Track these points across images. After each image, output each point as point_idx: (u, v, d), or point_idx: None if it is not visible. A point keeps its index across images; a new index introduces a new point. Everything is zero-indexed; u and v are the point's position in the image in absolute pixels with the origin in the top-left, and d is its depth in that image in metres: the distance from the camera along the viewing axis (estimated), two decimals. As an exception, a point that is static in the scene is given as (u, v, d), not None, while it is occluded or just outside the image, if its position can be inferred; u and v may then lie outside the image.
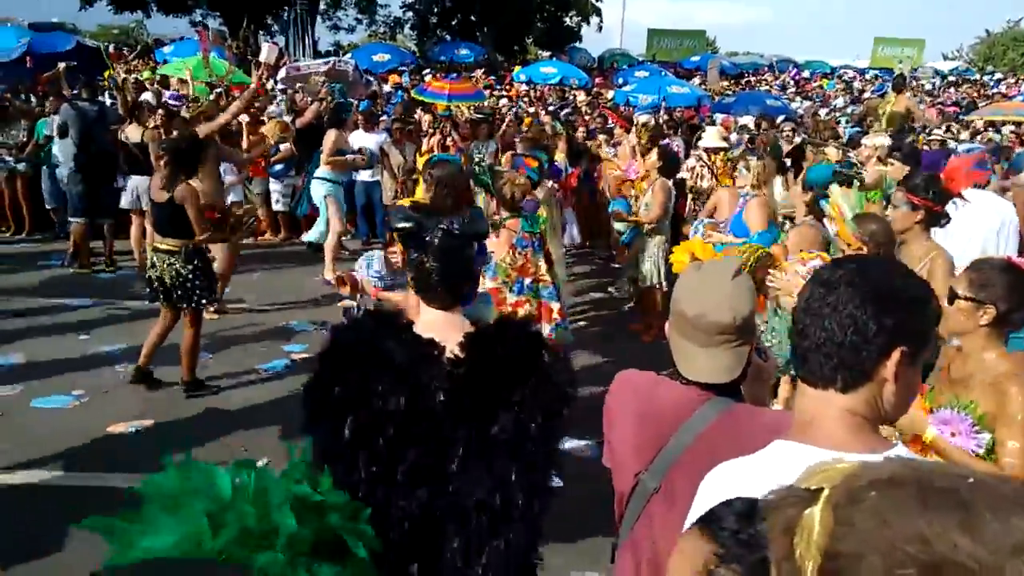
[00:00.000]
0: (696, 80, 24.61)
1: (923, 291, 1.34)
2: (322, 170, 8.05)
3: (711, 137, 8.67)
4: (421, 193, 4.17)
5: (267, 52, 8.35)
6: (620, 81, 22.82)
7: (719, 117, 14.73)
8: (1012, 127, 14.69)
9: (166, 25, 30.14)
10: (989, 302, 2.31)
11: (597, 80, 23.45)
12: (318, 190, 8.05)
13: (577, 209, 9.59)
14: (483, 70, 23.47)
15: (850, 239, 3.33)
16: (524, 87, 19.54)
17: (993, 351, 2.35)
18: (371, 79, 15.40)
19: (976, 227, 4.81)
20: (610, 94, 19.39)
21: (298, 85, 13.63)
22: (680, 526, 1.50)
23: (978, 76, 31.25)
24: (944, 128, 13.36)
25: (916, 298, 1.33)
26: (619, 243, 7.77)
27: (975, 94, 24.43)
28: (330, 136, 8.09)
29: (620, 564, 1.88)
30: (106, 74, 11.89)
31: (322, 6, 30.11)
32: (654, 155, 7.01)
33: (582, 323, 7.18)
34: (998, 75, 31.70)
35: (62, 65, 9.61)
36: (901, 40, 33.27)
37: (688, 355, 1.79)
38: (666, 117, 12.87)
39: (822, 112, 18.39)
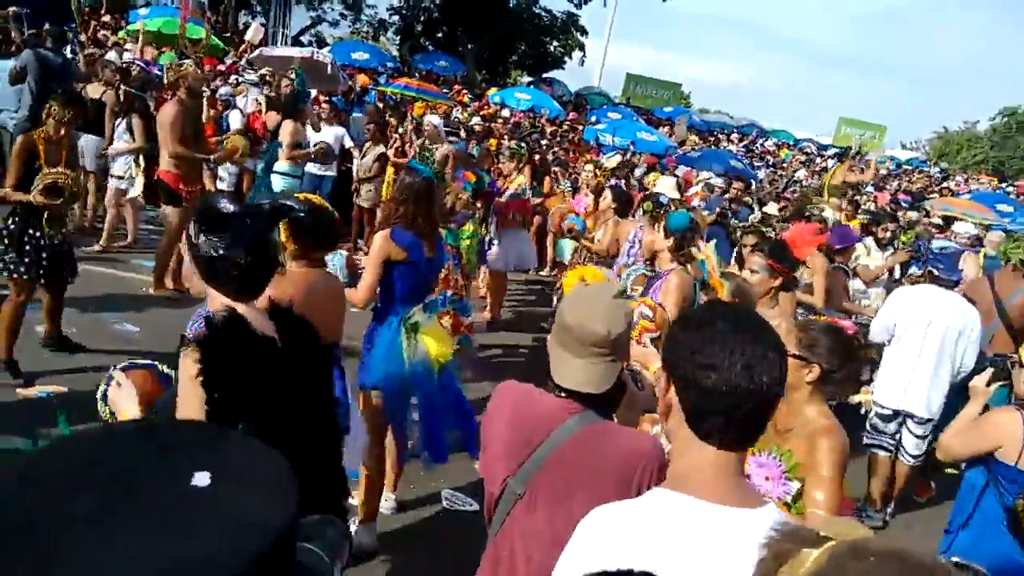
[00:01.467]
0: (666, 130, 25.15)
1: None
2: (281, 164, 7.80)
3: (667, 187, 8.75)
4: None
5: (253, 31, 8.14)
6: (593, 119, 23.14)
7: (682, 169, 15.03)
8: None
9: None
10: (815, 361, 2.47)
11: (571, 115, 23.73)
12: (278, 184, 7.77)
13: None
14: (460, 85, 23.53)
15: (720, 287, 3.48)
16: (505, 112, 19.60)
17: (814, 406, 2.49)
18: (346, 76, 15.21)
19: (936, 327, 4.83)
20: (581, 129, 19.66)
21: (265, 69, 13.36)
22: (539, 533, 1.79)
23: (929, 168, 32.63)
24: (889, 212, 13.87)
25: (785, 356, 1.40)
26: (556, 258, 7.88)
27: (924, 185, 25.46)
28: (287, 127, 7.82)
29: (482, 566, 1.96)
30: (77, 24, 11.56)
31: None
32: (608, 196, 7.12)
33: (514, 344, 7.18)
34: (943, 170, 33.20)
35: (12, 9, 9.22)
36: (865, 123, 34.60)
37: (563, 363, 1.88)
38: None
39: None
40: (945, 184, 27.54)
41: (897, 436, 5.06)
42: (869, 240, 7.88)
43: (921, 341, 4.86)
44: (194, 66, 8.40)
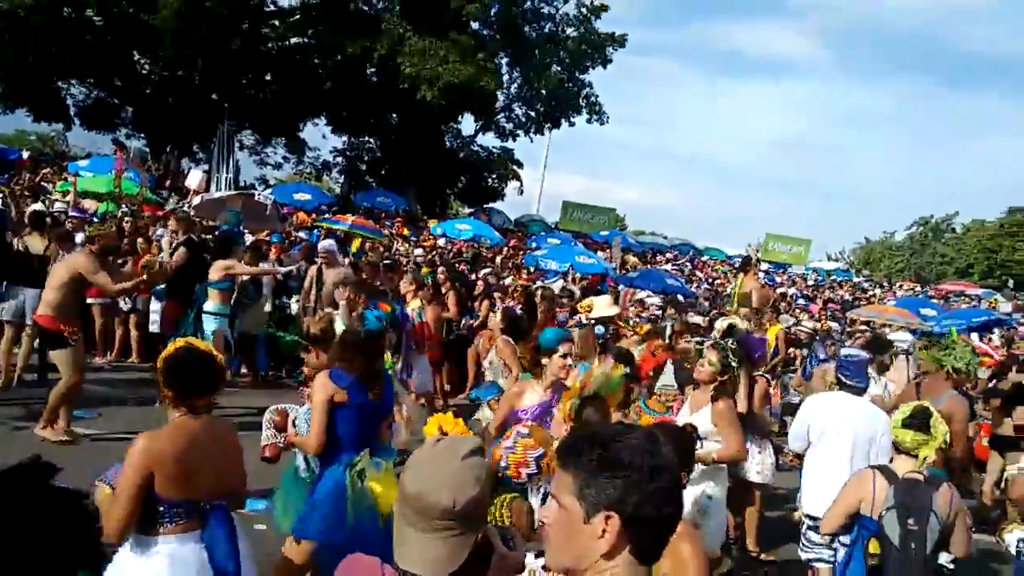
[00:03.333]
0: (603, 253, 26.06)
1: None
2: (212, 303, 7.74)
3: (603, 305, 8.96)
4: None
5: (192, 178, 8.28)
6: (533, 245, 23.88)
7: (621, 289, 15.53)
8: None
9: (87, 139, 29.95)
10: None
11: (512, 242, 24.47)
12: (209, 325, 7.68)
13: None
14: (401, 220, 24.19)
15: (565, 413, 3.41)
16: (441, 240, 20.13)
17: None
18: (286, 215, 15.52)
19: (845, 434, 4.77)
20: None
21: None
22: None
23: (854, 277, 34.21)
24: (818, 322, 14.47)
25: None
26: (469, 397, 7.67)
27: (850, 295, 26.61)
28: (217, 267, 7.80)
29: None
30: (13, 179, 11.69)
31: (250, 140, 30.76)
32: (497, 316, 7.23)
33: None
34: (867, 279, 34.87)
35: None
36: (790, 238, 36.35)
37: (404, 540, 1.63)
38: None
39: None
40: (872, 292, 28.82)
41: (834, 546, 4.98)
42: None
43: (833, 448, 4.82)
44: (115, 228, 8.46)
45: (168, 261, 8.06)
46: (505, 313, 7.25)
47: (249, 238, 11.12)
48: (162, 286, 8.73)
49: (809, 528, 4.84)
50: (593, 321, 8.37)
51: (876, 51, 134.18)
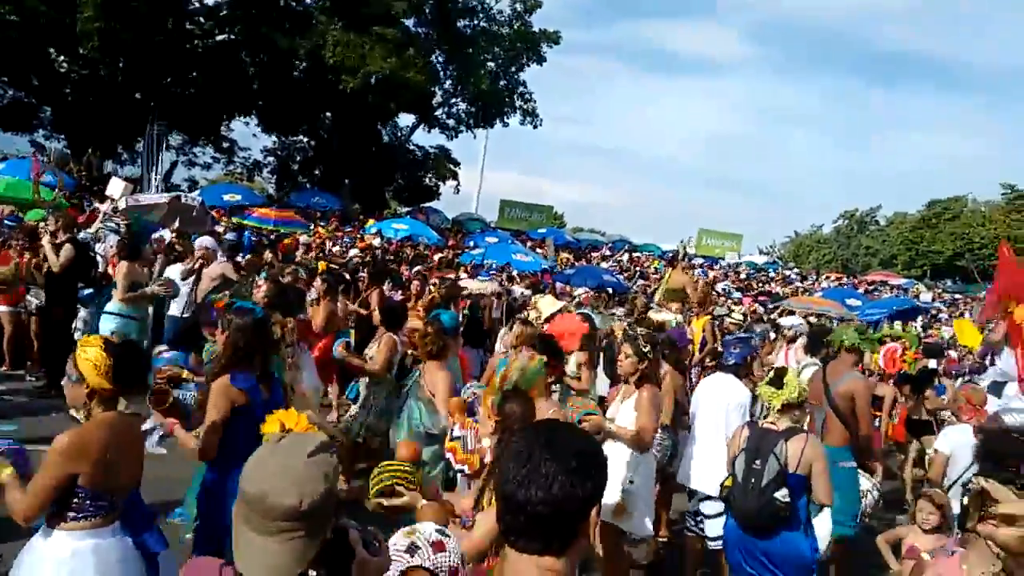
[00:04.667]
0: (541, 251, 26.31)
1: (603, 454, 1.54)
2: (114, 304, 7.49)
3: (547, 304, 9.18)
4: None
5: (114, 186, 7.95)
6: (471, 244, 23.90)
7: (558, 286, 15.72)
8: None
9: (3, 141, 28.61)
10: None
11: (451, 242, 24.45)
12: (107, 325, 7.39)
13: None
14: (336, 220, 23.88)
15: (489, 410, 3.38)
16: (376, 240, 19.93)
17: None
18: (214, 217, 15.15)
19: (707, 407, 5.22)
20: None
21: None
22: None
23: (782, 271, 35.26)
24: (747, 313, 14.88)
25: (603, 462, 1.51)
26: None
27: (778, 287, 27.42)
28: (122, 268, 7.55)
29: None
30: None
31: (178, 141, 29.89)
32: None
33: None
34: (795, 271, 36.01)
35: None
36: (722, 233, 37.26)
37: (244, 544, 1.55)
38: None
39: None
40: (800, 284, 29.74)
41: (699, 518, 5.12)
42: None
43: (705, 424, 5.18)
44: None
45: (54, 259, 7.78)
46: (384, 303, 7.18)
47: (167, 236, 10.89)
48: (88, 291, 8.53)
49: (699, 502, 5.07)
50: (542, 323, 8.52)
51: (800, 49, 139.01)
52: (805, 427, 4.39)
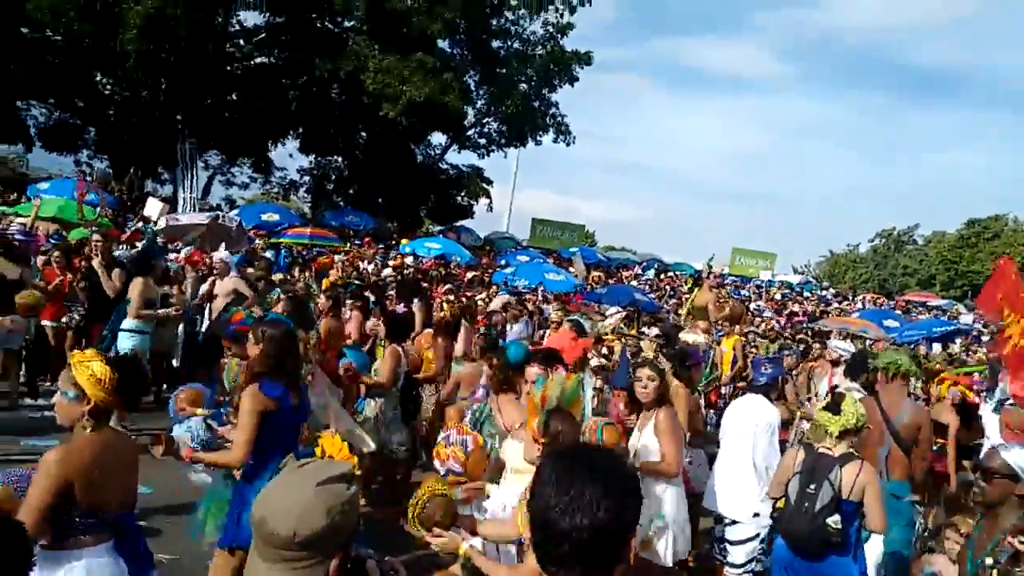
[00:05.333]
0: (573, 269, 26.30)
1: (638, 477, 1.54)
2: (129, 321, 7.47)
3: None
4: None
5: (151, 207, 8.09)
6: (503, 263, 23.95)
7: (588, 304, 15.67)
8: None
9: (49, 161, 29.42)
10: None
11: (484, 260, 24.56)
12: (125, 343, 7.39)
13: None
14: (370, 239, 24.12)
15: (534, 432, 3.31)
16: (410, 259, 20.08)
17: None
18: (251, 236, 15.40)
19: (735, 429, 5.09)
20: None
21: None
22: None
23: (817, 291, 34.73)
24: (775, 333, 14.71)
25: (638, 485, 1.51)
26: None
27: (812, 307, 27.01)
28: (136, 286, 7.52)
29: None
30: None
31: (216, 161, 30.48)
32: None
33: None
34: (831, 291, 35.47)
35: None
36: (756, 252, 36.84)
37: (252, 569, 1.54)
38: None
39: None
40: (837, 304, 29.27)
41: (723, 544, 5.00)
42: None
43: (733, 447, 5.04)
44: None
45: (110, 283, 7.95)
46: (388, 315, 7.21)
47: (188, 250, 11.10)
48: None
49: (724, 527, 4.94)
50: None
51: (836, 66, 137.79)
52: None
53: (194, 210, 16.03)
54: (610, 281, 24.67)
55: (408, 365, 6.51)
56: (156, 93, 25.48)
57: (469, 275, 19.40)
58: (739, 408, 5.26)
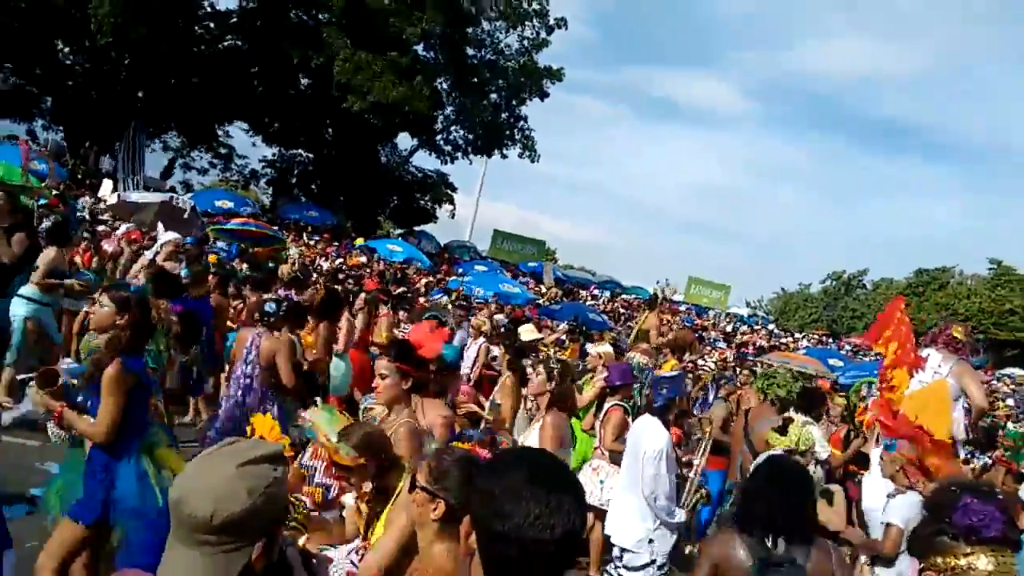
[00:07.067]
0: (531, 283, 26.36)
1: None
2: (29, 288, 7.00)
3: (527, 331, 9.39)
4: None
5: (105, 187, 7.76)
6: (460, 271, 23.90)
7: (542, 320, 15.73)
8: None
9: (2, 128, 28.49)
10: (441, 496, 2.15)
11: (443, 268, 24.49)
12: (18, 310, 6.90)
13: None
14: (328, 235, 23.85)
15: (347, 461, 2.93)
16: (363, 259, 19.88)
17: (441, 545, 2.15)
18: (204, 222, 15.05)
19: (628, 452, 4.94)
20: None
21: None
22: None
23: (763, 325, 35.33)
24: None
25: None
26: None
27: (765, 341, 27.49)
28: (48, 253, 7.14)
29: None
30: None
31: (177, 143, 29.89)
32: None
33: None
34: (779, 327, 36.16)
35: None
36: (712, 283, 37.40)
37: (167, 552, 1.45)
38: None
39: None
40: (783, 340, 29.83)
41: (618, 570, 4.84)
42: None
43: (623, 471, 4.96)
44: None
45: (7, 249, 7.45)
46: (326, 292, 7.24)
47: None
48: None
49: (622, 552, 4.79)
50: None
51: (801, 109, 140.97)
52: None
53: (136, 189, 15.61)
54: (565, 299, 24.80)
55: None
56: (119, 67, 24.87)
57: (423, 281, 19.31)
58: (634, 431, 5.07)
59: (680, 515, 4.77)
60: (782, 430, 4.45)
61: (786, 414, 5.13)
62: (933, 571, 1.94)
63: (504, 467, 1.41)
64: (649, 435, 4.78)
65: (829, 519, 4.31)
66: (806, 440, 4.39)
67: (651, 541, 4.62)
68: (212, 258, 10.14)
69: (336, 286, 10.83)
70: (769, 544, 2.63)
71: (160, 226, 11.26)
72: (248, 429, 2.44)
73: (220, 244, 14.34)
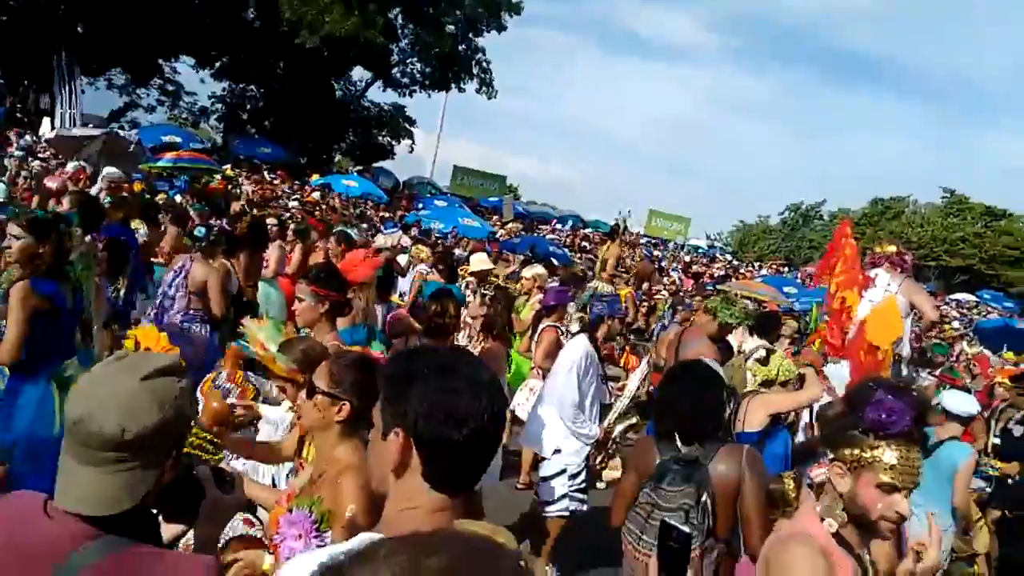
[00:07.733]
0: (495, 218, 26.22)
1: None
2: None
3: (479, 261, 9.21)
4: None
5: (45, 125, 7.38)
6: (420, 206, 23.65)
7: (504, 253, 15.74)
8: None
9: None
10: (345, 398, 2.23)
11: (403, 203, 24.17)
12: None
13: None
14: (284, 172, 23.34)
15: (284, 371, 2.92)
16: (317, 195, 19.54)
17: (343, 446, 2.24)
18: (153, 157, 14.62)
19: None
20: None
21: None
22: None
23: (722, 256, 35.82)
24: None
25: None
26: None
27: (723, 271, 27.87)
28: None
29: None
30: None
31: (121, 81, 28.74)
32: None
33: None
34: (738, 258, 36.67)
35: None
36: (672, 215, 37.60)
37: (65, 473, 1.37)
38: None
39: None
40: (743, 271, 30.29)
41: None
42: None
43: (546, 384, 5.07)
44: None
45: None
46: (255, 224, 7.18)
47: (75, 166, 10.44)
48: None
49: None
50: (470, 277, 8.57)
51: (761, 42, 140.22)
52: None
53: (75, 126, 15.05)
54: (525, 233, 24.75)
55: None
56: (56, 2, 23.64)
57: (381, 215, 19.10)
58: (565, 348, 5.08)
59: (592, 429, 4.69)
60: (764, 361, 4.51)
61: (763, 341, 5.12)
62: (840, 462, 1.98)
63: (436, 372, 1.31)
64: (568, 347, 4.88)
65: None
66: (786, 371, 4.43)
67: (557, 451, 4.62)
68: (137, 186, 9.92)
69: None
70: (679, 444, 2.72)
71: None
72: (128, 343, 2.37)
73: (177, 182, 13.95)
